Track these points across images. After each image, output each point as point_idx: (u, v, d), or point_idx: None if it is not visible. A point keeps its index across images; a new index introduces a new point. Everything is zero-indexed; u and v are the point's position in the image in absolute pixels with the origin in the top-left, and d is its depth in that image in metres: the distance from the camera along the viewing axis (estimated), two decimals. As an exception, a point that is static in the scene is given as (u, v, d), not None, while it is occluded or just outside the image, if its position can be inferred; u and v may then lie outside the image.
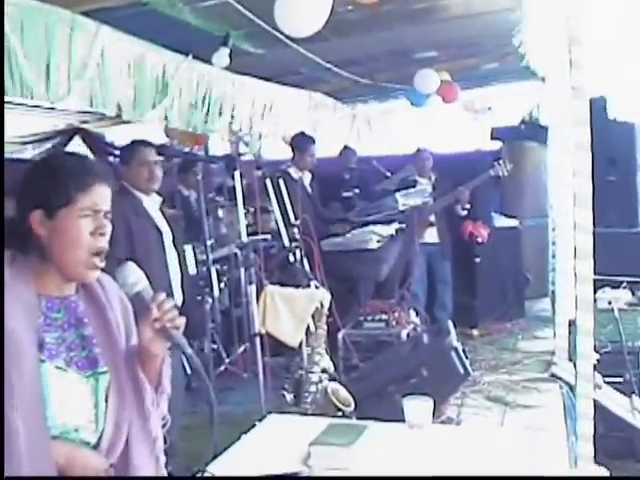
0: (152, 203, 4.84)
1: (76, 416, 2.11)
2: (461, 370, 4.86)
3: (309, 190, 7.06)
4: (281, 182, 6.08)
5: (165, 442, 2.35)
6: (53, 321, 2.14)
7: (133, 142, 5.01)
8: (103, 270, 2.22)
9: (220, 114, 6.22)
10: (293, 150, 7.14)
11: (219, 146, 9.61)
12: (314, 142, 7.18)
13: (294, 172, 6.95)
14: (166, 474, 2.39)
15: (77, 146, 7.71)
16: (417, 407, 2.85)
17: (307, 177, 7.10)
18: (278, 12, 4.53)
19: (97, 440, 2.16)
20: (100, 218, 2.15)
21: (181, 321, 2.20)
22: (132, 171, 4.74)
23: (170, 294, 4.58)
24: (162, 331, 2.17)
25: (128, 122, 6.19)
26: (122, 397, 2.21)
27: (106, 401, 2.19)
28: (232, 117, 6.40)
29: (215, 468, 2.53)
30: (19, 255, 2.12)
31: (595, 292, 5.05)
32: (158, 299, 2.19)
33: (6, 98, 3.85)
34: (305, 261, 5.94)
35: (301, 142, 7.15)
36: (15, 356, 1.95)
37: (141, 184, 4.75)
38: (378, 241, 6.80)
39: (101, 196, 2.16)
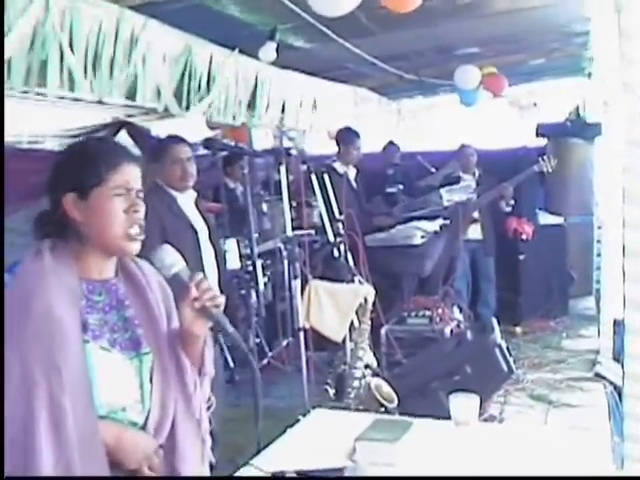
0: (187, 200, 4.77)
1: (122, 396, 2.14)
2: (505, 368, 4.82)
3: (354, 185, 7.04)
4: (326, 177, 6.07)
5: (210, 424, 2.36)
6: (95, 304, 2.17)
7: (164, 139, 4.94)
8: (139, 256, 2.25)
9: (266, 109, 6.24)
10: (338, 144, 7.11)
11: (262, 141, 9.63)
12: (359, 136, 7.15)
13: (339, 167, 6.94)
14: (212, 457, 2.41)
15: (123, 140, 7.76)
16: (463, 404, 2.84)
17: (352, 172, 7.08)
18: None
19: (144, 421, 2.18)
20: (132, 196, 2.17)
21: (221, 299, 2.21)
22: (165, 169, 4.64)
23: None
24: (202, 310, 2.18)
25: (174, 116, 6.21)
26: (166, 378, 2.24)
27: (151, 382, 2.21)
28: (279, 112, 6.42)
29: (260, 462, 2.54)
30: (58, 241, 2.14)
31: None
32: (196, 279, 2.20)
33: (54, 92, 3.89)
34: (349, 256, 5.93)
35: (347, 136, 7.12)
36: (60, 338, 1.97)
37: (174, 182, 4.67)
38: (422, 237, 6.78)
39: (132, 175, 2.19)
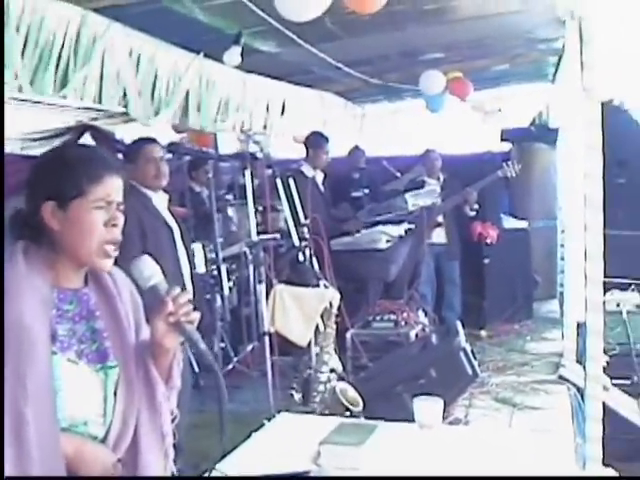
0: (160, 200, 4.84)
1: (86, 409, 2.12)
2: (469, 371, 4.85)
3: (322, 189, 7.06)
4: (291, 181, 6.08)
5: (174, 437, 2.35)
6: (65, 313, 2.14)
7: (139, 140, 5.00)
8: (116, 264, 2.22)
9: (231, 113, 6.23)
10: (307, 148, 7.13)
11: (228, 145, 9.61)
12: (328, 141, 7.19)
13: (307, 170, 6.95)
14: (175, 470, 2.40)
15: (87, 143, 7.72)
16: (427, 407, 2.85)
17: (320, 176, 7.10)
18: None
19: (105, 434, 2.16)
20: (113, 209, 2.15)
21: (195, 316, 2.19)
22: (139, 169, 4.72)
23: (183, 290, 4.60)
24: (176, 325, 2.17)
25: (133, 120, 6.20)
26: (131, 392, 2.21)
27: (115, 395, 2.19)
28: (243, 116, 6.42)
29: (225, 467, 2.54)
30: (32, 245, 2.12)
31: (604, 294, 5.05)
32: (173, 293, 2.18)
33: (14, 95, 3.87)
34: (314, 260, 5.94)
35: (316, 140, 7.15)
36: (28, 347, 1.95)
37: (149, 181, 4.74)
38: (387, 241, 6.81)
39: (113, 187, 2.17)
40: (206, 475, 2.42)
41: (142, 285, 2.23)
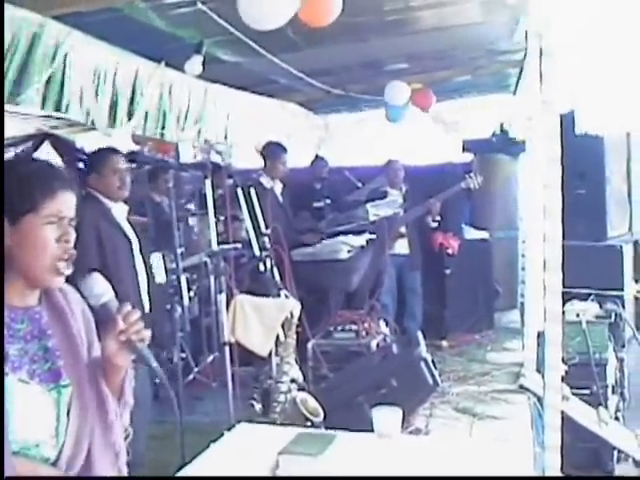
0: (120, 211, 4.82)
1: (38, 431, 2.08)
2: (430, 381, 4.86)
3: (280, 199, 7.05)
4: (252, 191, 6.07)
5: (127, 454, 2.33)
6: (16, 332, 2.11)
7: (102, 149, 4.99)
8: (67, 281, 2.19)
9: (193, 122, 6.20)
10: (265, 158, 7.13)
11: (190, 154, 9.57)
12: (286, 151, 7.18)
13: (266, 181, 6.95)
14: None
15: (47, 152, 7.65)
16: (386, 417, 2.85)
17: (278, 186, 7.09)
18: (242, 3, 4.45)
19: (57, 455, 2.12)
20: (65, 225, 2.13)
21: (147, 334, 2.18)
22: (103, 179, 4.70)
23: (140, 302, 4.57)
24: (127, 343, 2.15)
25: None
26: (84, 411, 2.18)
27: (67, 415, 2.16)
28: (205, 126, 6.39)
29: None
30: None
31: (563, 304, 5.08)
32: (124, 311, 2.17)
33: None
34: (275, 270, 5.93)
35: (273, 150, 7.14)
36: None
37: (111, 192, 4.72)
38: (348, 251, 6.81)
39: (66, 203, 2.14)
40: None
41: (93, 303, 2.22)
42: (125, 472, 2.31)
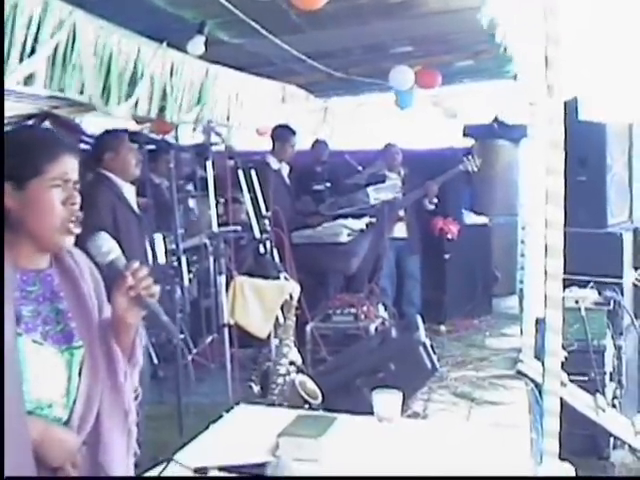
0: (130, 191, 4.86)
1: (50, 391, 2.10)
2: (429, 365, 4.86)
3: (287, 182, 7.07)
4: (253, 173, 6.07)
5: (137, 415, 2.34)
6: (28, 294, 2.13)
7: (115, 129, 5.01)
8: (75, 243, 2.21)
9: (195, 103, 6.19)
10: (274, 141, 7.16)
11: (189, 135, 9.55)
12: (295, 134, 7.24)
13: (273, 163, 6.96)
14: (137, 448, 2.38)
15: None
16: (387, 400, 2.86)
17: (285, 168, 7.12)
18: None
19: (68, 416, 2.14)
20: (70, 188, 2.15)
21: (156, 289, 2.20)
22: (119, 158, 4.74)
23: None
24: (137, 299, 2.17)
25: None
26: (95, 372, 2.21)
27: (79, 376, 2.18)
28: (206, 107, 6.38)
29: (182, 457, 2.52)
30: None
31: (563, 291, 5.08)
32: (132, 267, 2.18)
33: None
34: (275, 253, 5.93)
35: (283, 133, 7.19)
36: None
37: (127, 170, 4.78)
38: (348, 235, 6.82)
39: (69, 166, 2.16)
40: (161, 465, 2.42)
41: (101, 261, 2.23)
42: (134, 432, 2.33)
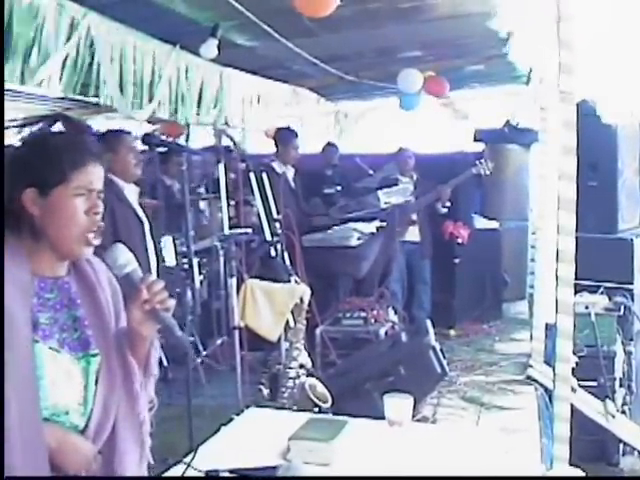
0: (132, 192, 4.85)
1: (67, 398, 2.10)
2: (438, 370, 4.86)
3: (292, 185, 7.05)
4: (264, 176, 6.07)
5: (152, 426, 2.34)
6: (46, 302, 2.12)
7: (116, 130, 5.00)
8: (93, 253, 2.21)
9: (209, 106, 6.21)
10: (277, 144, 7.13)
11: (200, 138, 9.57)
12: (298, 136, 7.19)
13: (278, 166, 6.95)
14: (151, 458, 2.38)
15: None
16: (398, 404, 2.85)
17: (290, 172, 7.09)
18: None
19: (85, 424, 2.14)
20: (94, 197, 2.14)
21: (171, 303, 2.19)
22: (120, 158, 4.73)
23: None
24: (152, 313, 2.16)
25: (111, 110, 6.15)
26: (112, 380, 2.20)
27: (96, 384, 2.18)
28: (220, 109, 6.39)
29: (193, 460, 2.52)
30: (11, 235, 2.09)
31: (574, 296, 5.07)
32: (148, 280, 2.18)
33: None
34: (286, 256, 5.93)
35: (285, 136, 7.15)
36: (9, 335, 1.93)
37: (127, 171, 4.76)
38: (359, 238, 6.82)
39: (95, 175, 2.15)
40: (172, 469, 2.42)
41: (116, 273, 2.23)
42: (148, 442, 2.32)
